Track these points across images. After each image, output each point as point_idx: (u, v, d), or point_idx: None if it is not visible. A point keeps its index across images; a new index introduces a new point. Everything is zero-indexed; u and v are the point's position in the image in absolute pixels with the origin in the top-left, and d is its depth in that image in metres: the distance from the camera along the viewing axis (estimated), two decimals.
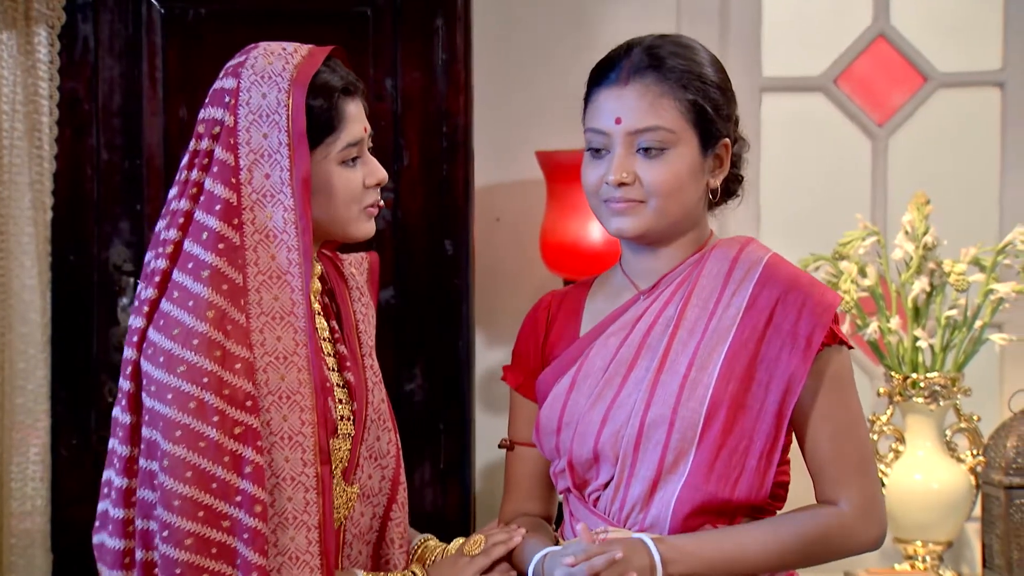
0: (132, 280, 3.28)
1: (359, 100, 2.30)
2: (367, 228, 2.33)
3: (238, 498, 2.15)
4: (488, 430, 3.81)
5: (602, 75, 2.27)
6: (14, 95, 3.21)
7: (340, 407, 2.31)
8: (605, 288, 2.37)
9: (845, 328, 3.36)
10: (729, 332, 2.21)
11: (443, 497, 3.40)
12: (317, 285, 2.35)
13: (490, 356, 3.95)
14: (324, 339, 2.33)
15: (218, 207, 2.19)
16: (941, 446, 3.59)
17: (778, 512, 2.26)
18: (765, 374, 2.19)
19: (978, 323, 3.56)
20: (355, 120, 2.28)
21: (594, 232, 3.67)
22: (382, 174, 2.31)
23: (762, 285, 2.23)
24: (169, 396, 2.15)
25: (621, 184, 2.22)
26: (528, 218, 3.94)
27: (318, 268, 2.36)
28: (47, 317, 3.24)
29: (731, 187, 2.34)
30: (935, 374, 3.55)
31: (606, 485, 2.23)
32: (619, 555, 2.08)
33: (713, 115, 2.24)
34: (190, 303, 2.17)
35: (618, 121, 2.23)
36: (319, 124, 2.25)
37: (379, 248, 3.11)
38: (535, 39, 4.02)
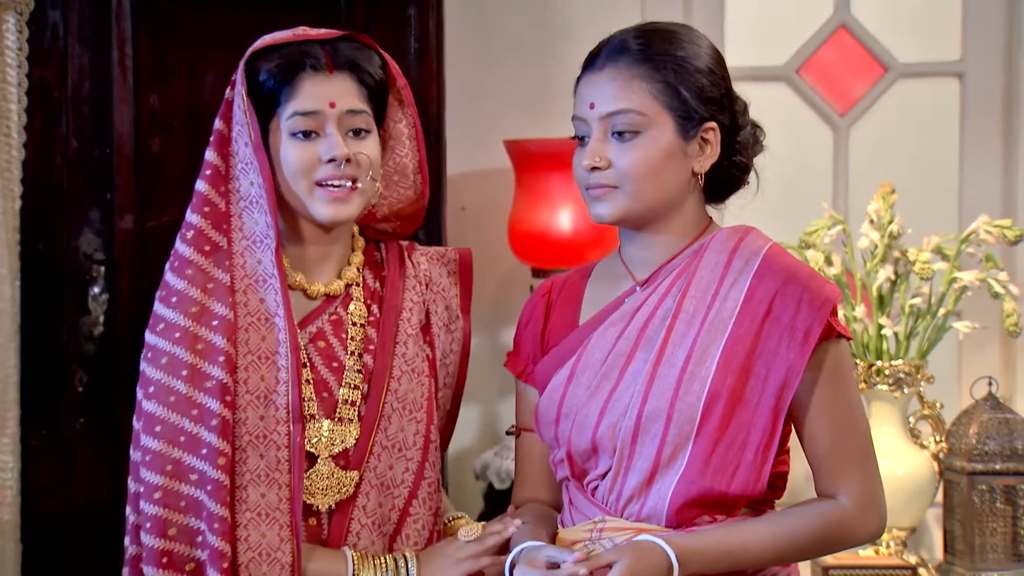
0: (102, 269, 3.26)
1: (333, 78, 2.28)
2: (327, 210, 2.29)
3: (204, 451, 2.21)
4: (458, 420, 3.81)
5: (586, 63, 2.28)
6: None
7: (348, 391, 2.33)
8: (604, 276, 2.35)
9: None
10: (727, 325, 2.19)
11: None
12: (353, 272, 2.39)
13: None
14: (354, 323, 2.36)
15: (208, 172, 2.29)
16: (905, 433, 3.63)
17: (776, 503, 2.27)
18: (763, 367, 2.18)
19: (942, 311, 3.60)
20: (310, 94, 2.27)
21: (563, 221, 3.69)
22: (337, 150, 2.27)
23: (760, 277, 2.21)
24: (149, 355, 2.26)
25: (594, 169, 2.22)
26: (495, 207, 3.95)
27: (359, 256, 2.40)
28: (16, 306, 3.20)
29: (728, 173, 2.30)
30: (899, 361, 3.59)
31: (604, 475, 2.23)
32: (582, 572, 2.10)
33: (690, 97, 2.21)
34: (176, 263, 2.27)
35: (592, 106, 2.23)
36: (269, 92, 2.28)
37: None
38: (503, 28, 4.03)
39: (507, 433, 2.46)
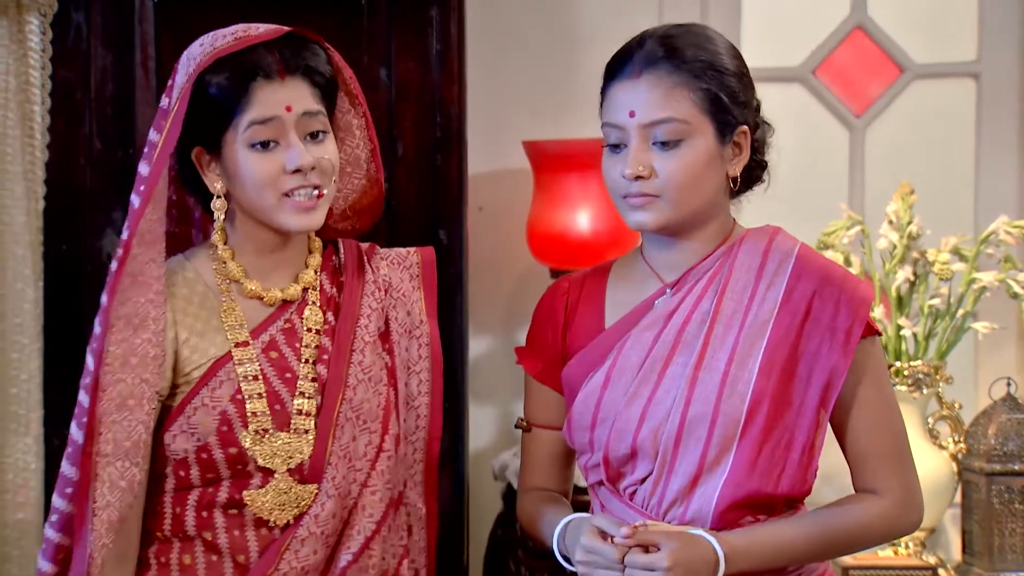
0: None
1: (286, 83, 2.22)
2: (295, 220, 2.24)
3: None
4: (476, 420, 3.82)
5: (616, 68, 2.26)
6: (6, 84, 3.17)
7: (303, 401, 2.27)
8: (627, 277, 2.35)
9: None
10: (767, 326, 2.20)
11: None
12: (311, 275, 2.33)
13: (475, 346, 3.95)
14: (308, 329, 2.30)
15: (142, 187, 2.21)
16: (924, 433, 3.63)
17: (806, 500, 2.29)
18: (805, 368, 2.19)
19: (960, 312, 3.60)
20: (265, 102, 2.20)
21: (581, 222, 3.70)
22: (302, 159, 2.21)
23: (796, 278, 2.23)
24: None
25: (637, 178, 2.21)
26: (513, 208, 3.95)
27: (316, 258, 2.35)
28: (40, 307, 3.21)
29: (753, 174, 2.32)
30: (918, 362, 3.59)
31: (643, 480, 2.23)
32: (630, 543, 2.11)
33: (729, 103, 2.22)
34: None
35: (632, 114, 2.22)
36: (222, 103, 2.21)
37: (373, 237, 3.08)
38: (523, 29, 4.04)
39: (516, 426, 2.44)
